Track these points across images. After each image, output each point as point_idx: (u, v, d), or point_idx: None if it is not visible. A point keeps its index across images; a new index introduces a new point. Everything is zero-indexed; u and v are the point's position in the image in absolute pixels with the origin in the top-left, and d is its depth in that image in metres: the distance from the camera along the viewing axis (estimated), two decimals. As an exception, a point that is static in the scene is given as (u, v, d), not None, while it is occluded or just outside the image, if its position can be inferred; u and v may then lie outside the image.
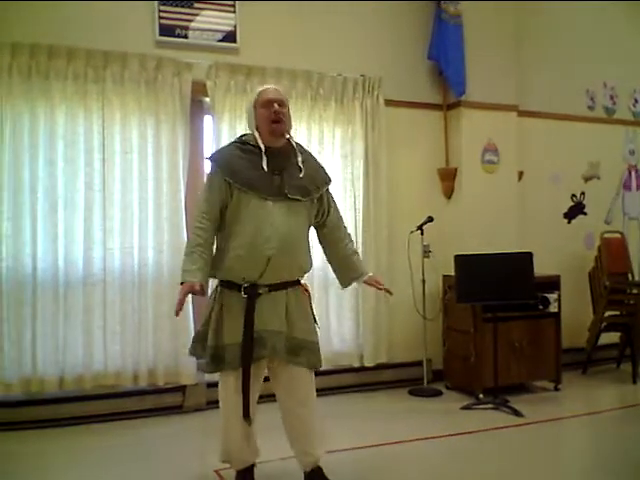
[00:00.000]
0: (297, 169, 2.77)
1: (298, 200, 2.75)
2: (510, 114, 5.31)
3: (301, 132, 4.70)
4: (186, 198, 4.39)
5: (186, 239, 4.29)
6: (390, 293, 3.11)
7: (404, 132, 5.14)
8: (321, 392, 4.73)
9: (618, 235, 5.79)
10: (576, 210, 5.89)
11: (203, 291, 2.69)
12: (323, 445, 2.93)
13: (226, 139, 4.46)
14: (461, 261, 4.48)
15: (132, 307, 4.23)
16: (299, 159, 2.79)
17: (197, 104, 4.56)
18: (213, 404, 4.34)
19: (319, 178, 2.90)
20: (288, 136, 2.83)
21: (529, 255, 4.44)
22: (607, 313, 5.39)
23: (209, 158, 2.86)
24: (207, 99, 4.51)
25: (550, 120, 5.69)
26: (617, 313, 5.44)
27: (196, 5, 4.50)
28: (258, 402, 2.91)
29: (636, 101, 6.25)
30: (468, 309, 4.68)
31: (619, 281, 5.48)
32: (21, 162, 3.99)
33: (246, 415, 2.73)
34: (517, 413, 4.21)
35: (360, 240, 4.80)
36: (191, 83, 4.40)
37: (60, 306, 4.06)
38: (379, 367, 4.91)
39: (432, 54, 5.17)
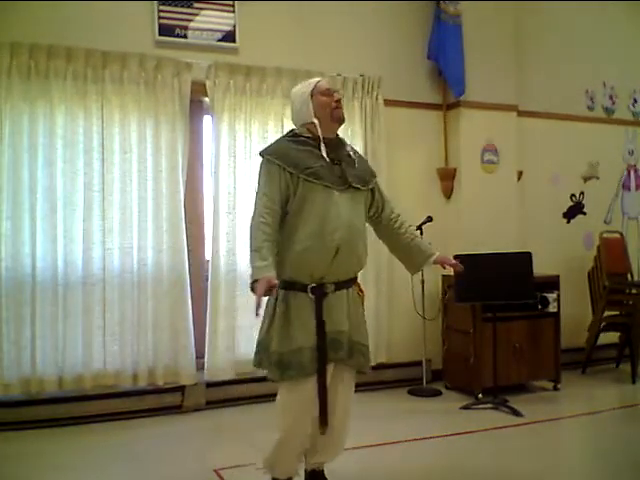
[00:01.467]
0: (351, 160, 2.76)
1: (359, 189, 2.74)
2: (510, 114, 5.31)
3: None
4: (185, 198, 4.39)
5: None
6: (460, 268, 3.07)
7: (403, 132, 5.14)
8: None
9: (617, 235, 5.79)
10: (575, 210, 5.89)
11: (276, 286, 2.52)
12: (338, 453, 2.89)
13: (225, 139, 4.47)
14: (460, 261, 4.43)
15: (131, 307, 4.22)
16: (350, 150, 2.79)
17: (196, 104, 4.56)
18: (212, 404, 4.39)
19: (369, 170, 2.90)
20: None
21: (528, 255, 4.44)
22: (606, 313, 5.40)
23: (264, 152, 2.72)
24: (206, 99, 4.51)
25: (550, 120, 5.69)
26: (616, 313, 5.45)
27: (195, 5, 4.50)
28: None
29: (635, 101, 6.25)
30: (467, 309, 4.68)
31: (618, 281, 5.48)
32: (20, 162, 3.98)
33: (324, 422, 2.63)
34: (516, 413, 4.21)
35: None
36: (190, 83, 4.40)
37: (59, 306, 4.06)
38: (379, 367, 4.90)
39: (431, 54, 5.17)
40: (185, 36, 4.48)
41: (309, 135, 2.70)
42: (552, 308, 4.85)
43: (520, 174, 5.46)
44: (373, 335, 4.82)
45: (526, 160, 5.51)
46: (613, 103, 6.11)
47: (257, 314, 2.47)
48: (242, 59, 4.59)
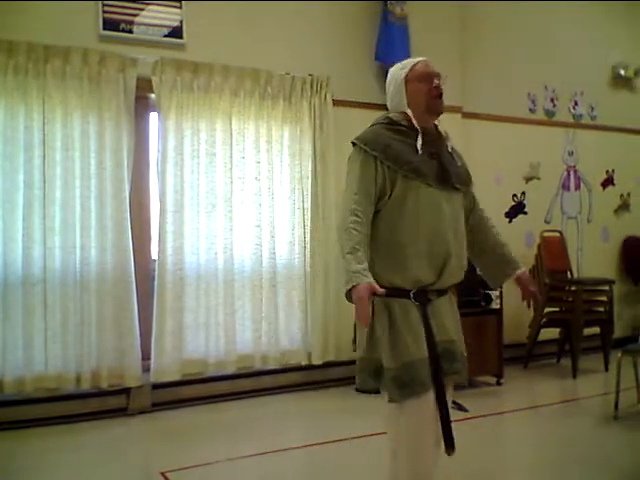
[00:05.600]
0: (450, 155, 2.45)
1: (458, 190, 2.41)
2: (454, 115, 5.41)
3: (249, 130, 4.68)
4: (131, 196, 4.31)
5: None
6: (537, 301, 2.54)
7: (353, 132, 4.99)
8: (270, 391, 4.74)
9: (557, 234, 5.97)
10: (517, 209, 6.04)
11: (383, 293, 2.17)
12: None
13: (172, 136, 4.41)
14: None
15: (74, 307, 4.12)
16: (449, 144, 2.48)
17: (142, 101, 4.47)
18: (158, 406, 4.32)
19: (467, 169, 2.58)
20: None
21: (473, 254, 4.52)
22: (547, 310, 5.55)
23: (359, 141, 2.44)
24: (153, 96, 4.44)
25: (493, 122, 5.82)
26: (556, 309, 5.61)
27: (141, -1, 4.42)
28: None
29: (576, 104, 6.45)
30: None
31: (558, 278, 5.66)
32: (-44, 158, 3.85)
33: (450, 445, 2.27)
34: (461, 408, 4.29)
35: (308, 239, 4.82)
36: (136, 79, 4.31)
37: (-2, 307, 3.93)
38: (327, 365, 4.93)
39: (379, 55, 5.21)
40: (130, 31, 4.40)
41: (406, 124, 2.37)
42: (495, 305, 4.96)
43: (465, 174, 5.55)
44: (321, 333, 4.86)
45: (470, 161, 5.48)
46: (554, 106, 6.30)
47: (366, 323, 2.14)
48: (189, 56, 4.53)
